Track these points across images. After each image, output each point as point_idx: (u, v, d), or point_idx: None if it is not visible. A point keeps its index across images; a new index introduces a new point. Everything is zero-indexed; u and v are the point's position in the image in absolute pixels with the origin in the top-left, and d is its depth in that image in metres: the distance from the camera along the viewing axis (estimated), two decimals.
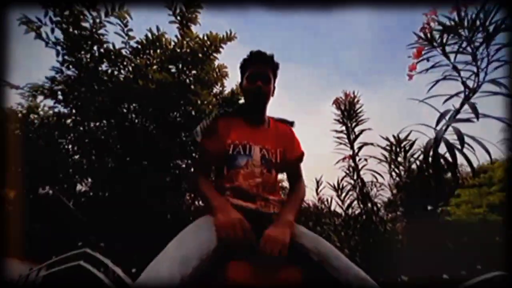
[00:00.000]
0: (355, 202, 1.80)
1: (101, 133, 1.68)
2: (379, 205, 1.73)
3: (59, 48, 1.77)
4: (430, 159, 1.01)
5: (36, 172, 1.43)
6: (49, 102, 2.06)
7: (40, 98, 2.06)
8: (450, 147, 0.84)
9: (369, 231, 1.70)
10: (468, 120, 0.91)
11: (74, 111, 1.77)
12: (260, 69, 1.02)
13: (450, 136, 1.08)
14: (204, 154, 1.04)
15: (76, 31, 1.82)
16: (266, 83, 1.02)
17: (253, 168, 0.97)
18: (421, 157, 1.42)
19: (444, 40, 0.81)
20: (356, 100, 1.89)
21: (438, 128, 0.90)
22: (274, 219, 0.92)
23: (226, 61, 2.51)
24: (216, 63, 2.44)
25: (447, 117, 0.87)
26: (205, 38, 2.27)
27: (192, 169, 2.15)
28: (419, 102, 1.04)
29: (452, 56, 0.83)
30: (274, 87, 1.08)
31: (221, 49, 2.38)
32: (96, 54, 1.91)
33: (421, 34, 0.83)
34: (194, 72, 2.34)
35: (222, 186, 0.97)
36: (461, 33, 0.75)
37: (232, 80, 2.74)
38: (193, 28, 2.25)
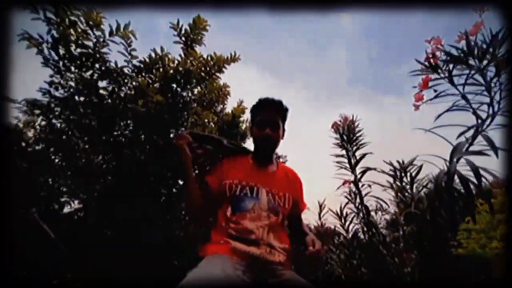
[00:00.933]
0: (360, 230, 1.69)
1: (86, 157, 1.62)
2: (385, 233, 1.62)
3: (60, 65, 1.77)
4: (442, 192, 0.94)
5: (20, 193, 1.36)
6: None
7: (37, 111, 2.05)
8: (465, 182, 0.78)
9: (376, 262, 1.57)
10: (481, 152, 0.85)
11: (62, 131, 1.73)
12: (269, 116, 1.05)
13: (461, 167, 1.02)
14: (206, 190, 1.02)
15: (78, 49, 1.83)
16: (275, 129, 1.04)
17: (260, 212, 0.94)
18: (429, 186, 1.35)
19: (451, 69, 0.78)
20: (356, 124, 1.85)
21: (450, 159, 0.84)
22: (277, 270, 0.86)
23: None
24: (219, 82, 2.46)
25: (459, 149, 0.81)
26: (209, 58, 2.30)
27: None
28: (425, 132, 0.99)
29: (461, 85, 0.80)
30: (284, 130, 1.11)
31: (224, 69, 2.41)
32: (97, 72, 1.91)
33: (426, 63, 0.80)
34: (196, 90, 2.35)
35: (228, 228, 0.92)
36: (470, 64, 0.72)
37: (234, 99, 2.73)
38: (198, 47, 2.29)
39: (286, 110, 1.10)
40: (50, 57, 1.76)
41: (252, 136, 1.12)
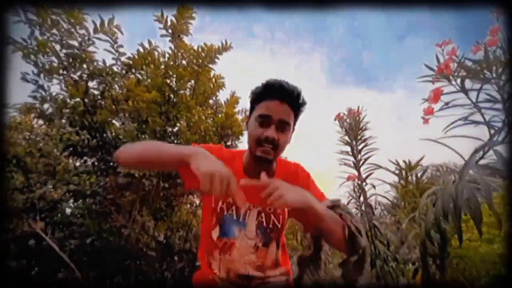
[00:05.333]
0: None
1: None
2: (387, 235, 1.58)
3: (42, 77, 1.71)
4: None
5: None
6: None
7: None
8: (475, 201, 0.70)
9: (382, 277, 1.52)
10: (492, 167, 0.76)
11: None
12: (277, 111, 0.72)
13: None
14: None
15: (64, 50, 1.75)
16: (283, 130, 0.74)
17: (246, 241, 0.77)
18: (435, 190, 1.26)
19: (464, 78, 0.66)
20: (362, 117, 1.71)
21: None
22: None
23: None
24: (212, 73, 2.33)
25: (471, 164, 0.73)
26: (200, 49, 2.16)
27: None
28: (434, 142, 0.89)
29: (474, 95, 0.69)
30: (293, 130, 0.79)
31: (216, 60, 2.27)
32: (86, 72, 1.84)
33: (435, 72, 0.68)
34: (188, 84, 2.24)
35: (212, 251, 0.79)
36: (487, 77, 0.60)
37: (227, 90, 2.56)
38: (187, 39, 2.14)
39: (303, 103, 0.77)
40: (36, 59, 1.68)
41: (248, 135, 0.79)
